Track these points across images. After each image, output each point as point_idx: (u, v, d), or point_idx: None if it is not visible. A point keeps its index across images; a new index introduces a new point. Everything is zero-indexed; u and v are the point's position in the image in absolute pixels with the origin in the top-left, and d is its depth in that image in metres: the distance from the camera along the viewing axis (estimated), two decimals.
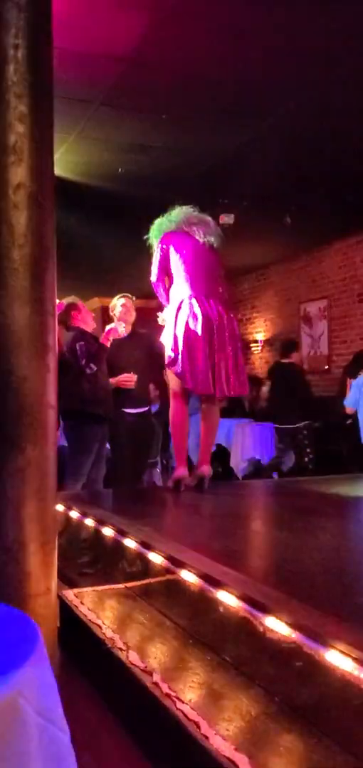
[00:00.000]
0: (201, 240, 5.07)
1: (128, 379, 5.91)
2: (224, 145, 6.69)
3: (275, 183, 7.77)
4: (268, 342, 12.42)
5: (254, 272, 12.57)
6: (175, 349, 4.87)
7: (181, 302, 4.93)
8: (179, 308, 4.92)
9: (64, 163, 6.89)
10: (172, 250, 5.00)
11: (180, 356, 4.82)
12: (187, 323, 4.84)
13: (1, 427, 2.14)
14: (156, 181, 7.33)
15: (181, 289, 4.97)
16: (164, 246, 5.04)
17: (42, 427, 2.18)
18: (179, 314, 4.90)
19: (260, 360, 12.59)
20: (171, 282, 5.08)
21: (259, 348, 12.58)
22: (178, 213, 5.14)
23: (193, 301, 4.88)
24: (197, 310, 4.85)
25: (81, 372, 5.51)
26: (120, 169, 7.20)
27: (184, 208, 5.17)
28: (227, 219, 8.48)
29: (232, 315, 5.15)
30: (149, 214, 5.14)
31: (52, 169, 2.27)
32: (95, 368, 5.57)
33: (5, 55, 2.11)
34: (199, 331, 4.82)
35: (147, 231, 5.21)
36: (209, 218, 5.22)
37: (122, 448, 6.10)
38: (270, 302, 12.36)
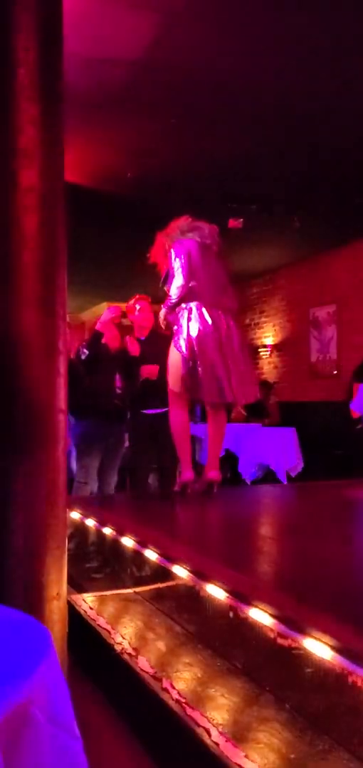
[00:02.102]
0: (199, 241, 5.02)
1: (152, 370, 5.87)
2: (233, 149, 6.68)
3: (284, 187, 7.76)
4: (276, 347, 12.39)
5: (263, 277, 12.55)
6: (190, 357, 4.83)
7: (191, 310, 4.90)
8: (190, 318, 4.89)
9: (73, 167, 6.90)
10: (190, 251, 4.96)
11: (197, 366, 4.79)
12: (200, 331, 4.83)
13: (11, 431, 2.13)
14: (165, 186, 7.33)
15: (189, 296, 4.93)
16: (184, 247, 4.96)
17: (52, 431, 2.17)
18: (191, 324, 4.87)
19: (269, 365, 12.56)
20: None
21: (268, 353, 12.55)
22: (172, 227, 5.13)
23: (203, 310, 4.86)
24: (208, 318, 4.84)
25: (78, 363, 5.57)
26: (128, 174, 7.20)
27: (179, 219, 5.13)
28: (236, 223, 8.48)
29: (238, 325, 5.13)
30: (158, 218, 5.14)
31: (62, 172, 2.27)
32: (87, 352, 5.64)
33: (16, 58, 2.11)
34: (211, 340, 4.81)
35: (155, 236, 5.21)
36: (203, 224, 5.13)
37: (142, 450, 6.09)
38: (279, 307, 12.34)
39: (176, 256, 4.96)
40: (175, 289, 4.96)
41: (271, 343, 12.50)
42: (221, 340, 4.86)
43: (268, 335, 12.62)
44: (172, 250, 5.00)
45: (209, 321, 4.83)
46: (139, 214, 7.90)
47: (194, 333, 4.83)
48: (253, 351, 12.91)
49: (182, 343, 4.86)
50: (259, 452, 9.65)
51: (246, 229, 8.65)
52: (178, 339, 4.90)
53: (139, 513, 4.69)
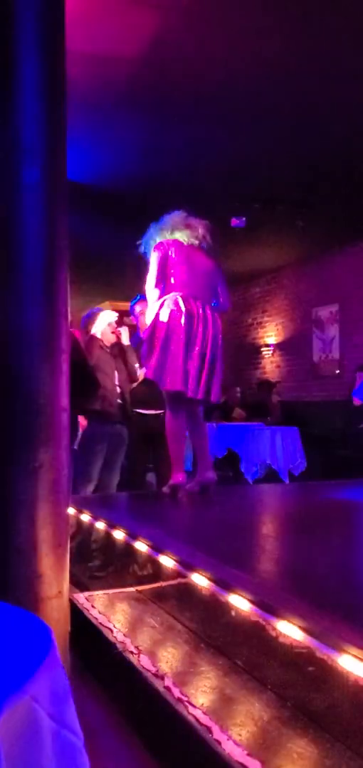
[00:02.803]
0: (185, 242, 5.01)
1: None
2: (236, 148, 6.68)
3: (287, 186, 7.76)
4: (279, 346, 12.39)
5: (265, 276, 12.55)
6: (150, 342, 4.81)
7: (166, 299, 4.87)
8: (162, 305, 4.86)
9: (76, 166, 6.90)
10: (167, 254, 4.94)
11: (156, 350, 4.76)
12: (169, 317, 4.78)
13: (13, 429, 2.13)
14: (167, 184, 7.33)
15: (169, 290, 4.92)
16: (162, 251, 4.96)
17: (54, 429, 2.17)
18: (161, 310, 4.84)
19: (271, 364, 12.56)
20: (164, 289, 4.99)
21: (271, 352, 12.55)
22: (166, 220, 5.11)
23: (179, 298, 4.83)
24: (181, 305, 4.79)
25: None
26: (132, 172, 7.20)
27: (173, 213, 5.12)
28: (239, 222, 8.48)
29: (219, 321, 5.08)
30: (161, 216, 5.14)
31: (65, 170, 2.27)
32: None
33: (20, 56, 2.11)
34: (179, 327, 4.76)
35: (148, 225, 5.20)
36: (196, 221, 5.12)
37: (137, 449, 6.09)
38: (281, 306, 12.34)
39: (153, 260, 4.96)
40: (147, 295, 5.00)
41: (274, 342, 12.50)
42: (192, 332, 4.80)
43: (271, 334, 12.61)
44: (153, 252, 4.99)
45: (183, 308, 4.78)
46: (141, 212, 7.88)
47: (163, 317, 4.79)
48: (256, 350, 12.91)
49: (148, 327, 4.86)
50: (261, 451, 9.65)
51: (249, 228, 8.65)
52: (147, 324, 4.91)
53: (140, 511, 4.70)
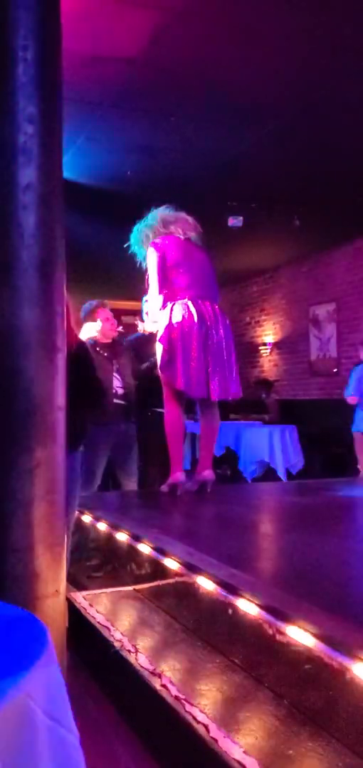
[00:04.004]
0: (182, 237, 4.99)
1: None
2: (233, 147, 6.68)
3: (284, 185, 7.76)
4: (276, 345, 12.40)
5: (263, 275, 12.56)
6: (169, 350, 4.79)
7: (175, 303, 4.86)
8: (172, 309, 4.84)
9: (72, 165, 6.90)
10: (165, 254, 4.92)
11: (177, 359, 4.75)
12: (181, 324, 4.78)
13: (10, 429, 2.13)
14: (164, 184, 7.32)
15: (175, 292, 4.90)
16: (159, 250, 4.93)
17: (51, 428, 2.17)
18: (173, 315, 4.82)
19: (269, 363, 12.57)
20: (170, 292, 4.97)
21: (268, 351, 12.56)
22: (153, 215, 5.07)
23: (189, 302, 4.82)
24: (193, 310, 4.79)
25: None
26: (128, 172, 7.21)
27: (159, 209, 5.09)
28: (236, 221, 8.48)
29: (227, 318, 5.09)
30: (146, 214, 5.13)
31: (60, 170, 2.27)
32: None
33: (14, 56, 2.10)
34: (194, 333, 4.76)
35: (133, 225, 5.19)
36: (185, 214, 5.09)
37: (150, 448, 6.07)
38: (279, 305, 12.34)
39: (151, 260, 4.93)
40: (151, 301, 4.97)
41: (272, 341, 12.50)
42: (206, 334, 4.81)
43: (269, 333, 12.62)
44: (150, 250, 4.96)
45: (194, 314, 4.78)
46: (138, 212, 7.89)
47: (176, 325, 4.78)
48: (254, 349, 12.92)
49: (163, 334, 4.81)
50: (259, 450, 9.66)
51: (246, 227, 8.65)
52: (161, 331, 4.86)
53: (138, 510, 4.70)
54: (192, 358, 4.76)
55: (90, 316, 5.86)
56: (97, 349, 5.84)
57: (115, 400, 5.76)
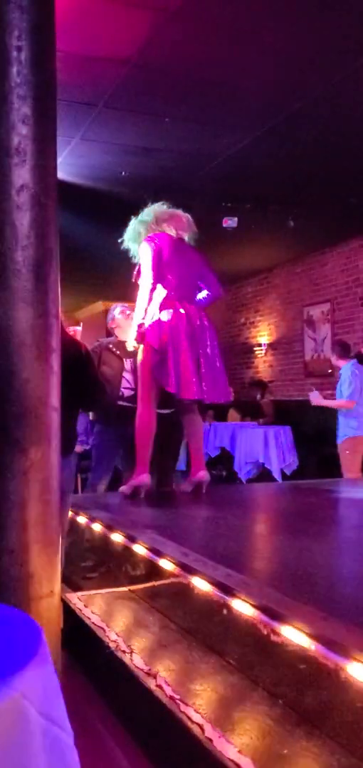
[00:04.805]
0: (174, 236, 4.96)
1: None
2: (227, 148, 6.69)
3: (278, 186, 7.76)
4: (271, 346, 12.41)
5: (257, 276, 12.57)
6: (160, 351, 4.74)
7: (164, 304, 4.83)
8: (161, 310, 4.81)
9: (67, 166, 6.90)
10: (161, 248, 4.89)
11: (168, 360, 4.71)
12: (170, 325, 4.75)
13: (5, 429, 2.13)
14: (159, 185, 7.32)
15: (162, 291, 4.87)
16: (155, 244, 4.89)
17: (45, 429, 2.17)
18: (162, 315, 4.79)
19: (264, 364, 12.58)
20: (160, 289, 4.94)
21: (263, 352, 12.57)
22: (148, 212, 5.04)
23: (177, 303, 4.81)
24: (181, 311, 4.78)
25: None
26: (123, 172, 7.21)
27: (155, 205, 5.06)
28: (230, 222, 8.48)
29: (211, 320, 5.05)
30: (141, 210, 5.13)
31: (55, 171, 2.27)
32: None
33: (8, 56, 2.11)
34: (183, 335, 4.74)
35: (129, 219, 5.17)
36: (180, 212, 5.07)
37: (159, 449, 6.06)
38: (273, 306, 12.35)
39: (146, 254, 4.89)
40: (142, 293, 4.92)
41: (266, 342, 12.51)
42: (194, 336, 4.79)
43: (263, 334, 12.63)
44: (144, 244, 4.93)
45: (183, 316, 4.78)
46: (133, 212, 7.89)
47: (166, 325, 4.75)
48: (248, 350, 12.93)
49: (153, 335, 4.78)
50: (254, 451, 9.68)
51: (240, 228, 8.65)
52: (149, 332, 4.82)
53: (133, 511, 4.70)
54: (182, 360, 4.73)
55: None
56: (110, 346, 5.83)
57: (120, 402, 5.74)
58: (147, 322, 4.85)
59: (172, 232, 4.97)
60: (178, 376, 4.72)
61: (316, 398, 7.81)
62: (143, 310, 4.90)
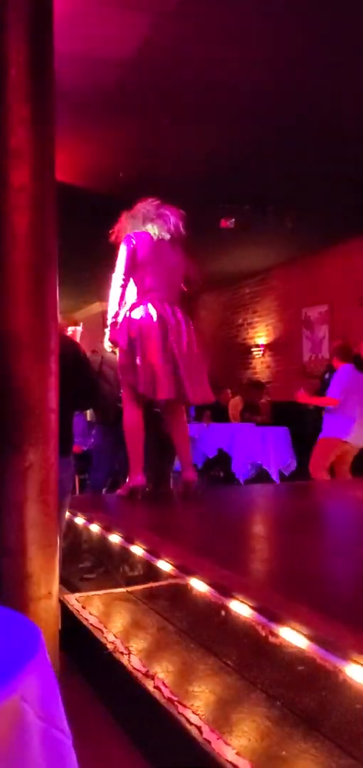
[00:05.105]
0: (156, 237, 4.89)
1: None
2: (225, 149, 6.69)
3: (276, 187, 7.77)
4: (269, 346, 12.41)
5: (255, 276, 12.57)
6: (128, 351, 4.73)
7: (135, 304, 4.81)
8: (132, 309, 4.80)
9: (65, 168, 6.90)
10: (136, 250, 4.85)
11: (136, 361, 4.69)
12: (140, 324, 4.72)
13: (3, 430, 2.13)
14: (157, 185, 7.32)
15: (137, 291, 4.85)
16: (132, 243, 4.86)
17: (43, 430, 2.17)
18: (132, 314, 4.78)
19: (262, 364, 12.58)
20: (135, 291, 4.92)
21: (261, 352, 12.57)
22: (138, 209, 4.98)
23: (149, 304, 4.77)
24: (152, 311, 4.74)
25: None
26: (121, 173, 7.20)
27: (146, 202, 4.99)
28: (228, 223, 8.49)
29: (190, 320, 4.98)
30: (134, 204, 5.12)
31: (53, 172, 2.27)
32: None
33: (7, 58, 2.11)
34: (153, 335, 4.69)
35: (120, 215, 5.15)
36: (169, 212, 4.95)
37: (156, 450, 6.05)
38: (271, 306, 12.36)
39: (121, 252, 4.87)
40: (113, 292, 4.89)
41: (264, 342, 12.52)
42: (167, 336, 4.74)
43: (261, 335, 12.63)
44: (122, 243, 4.89)
45: (154, 315, 4.73)
46: None
47: (135, 326, 4.72)
48: (246, 350, 12.93)
49: (121, 335, 4.76)
50: (252, 452, 9.66)
51: (238, 229, 8.66)
52: (118, 332, 4.80)
53: (131, 512, 4.70)
54: (154, 360, 4.68)
55: None
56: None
57: (120, 404, 5.70)
58: (119, 325, 4.85)
59: (155, 233, 4.91)
60: (151, 376, 4.67)
61: (302, 395, 7.81)
62: (114, 310, 4.88)
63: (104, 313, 6.35)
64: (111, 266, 5.00)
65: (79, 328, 5.77)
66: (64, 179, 7.10)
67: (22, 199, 2.12)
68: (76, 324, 5.97)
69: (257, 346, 12.68)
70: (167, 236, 4.90)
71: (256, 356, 12.71)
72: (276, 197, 8.06)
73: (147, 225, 4.91)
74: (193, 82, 5.37)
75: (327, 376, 8.06)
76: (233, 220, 8.40)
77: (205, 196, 7.72)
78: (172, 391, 4.72)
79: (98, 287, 12.67)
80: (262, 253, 11.01)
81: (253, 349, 12.77)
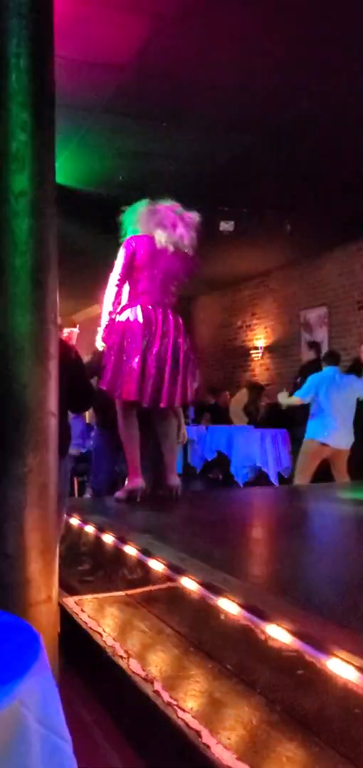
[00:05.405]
0: (158, 245, 4.85)
1: None
2: (224, 153, 6.70)
3: (275, 190, 7.78)
4: (268, 349, 12.42)
5: (254, 279, 12.58)
6: (108, 354, 4.75)
7: (125, 307, 4.81)
8: (121, 312, 4.80)
9: (65, 171, 6.90)
10: (135, 253, 4.85)
11: (110, 361, 4.69)
12: (123, 328, 4.71)
13: (2, 435, 2.13)
14: (156, 189, 7.31)
15: (130, 293, 4.85)
16: (131, 246, 4.86)
17: (43, 434, 2.17)
18: (120, 318, 4.78)
19: (260, 367, 12.59)
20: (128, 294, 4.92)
21: (260, 355, 12.58)
22: (159, 210, 4.91)
23: (138, 307, 4.75)
24: (139, 315, 4.71)
25: None
26: (120, 177, 7.21)
27: (169, 208, 4.93)
28: (227, 226, 8.50)
29: (182, 324, 4.92)
30: (155, 200, 5.11)
31: (53, 177, 2.27)
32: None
33: (7, 63, 2.11)
34: (136, 339, 4.66)
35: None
36: (185, 230, 4.88)
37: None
38: (270, 309, 12.37)
39: (119, 255, 4.88)
40: (108, 294, 4.90)
41: (263, 345, 12.53)
42: (150, 340, 4.70)
43: (260, 337, 12.64)
44: (122, 247, 4.90)
45: (139, 318, 4.70)
46: None
47: (120, 328, 4.73)
48: (245, 353, 12.94)
49: (106, 335, 4.79)
50: (251, 454, 9.67)
51: (237, 232, 8.67)
52: (104, 333, 4.82)
53: (129, 515, 4.70)
54: (126, 361, 4.66)
55: None
56: None
57: None
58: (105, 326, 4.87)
59: (161, 240, 4.83)
60: (127, 380, 4.64)
61: (282, 396, 7.82)
62: (108, 311, 4.88)
63: None
64: (110, 268, 4.99)
65: (76, 330, 5.78)
66: (64, 182, 7.12)
67: (21, 204, 2.12)
68: (73, 325, 5.98)
69: (256, 348, 12.69)
70: (171, 249, 4.88)
71: (255, 358, 12.71)
72: (275, 201, 8.06)
73: (157, 230, 4.89)
74: (192, 85, 5.38)
75: (299, 379, 8.13)
76: (232, 223, 8.42)
77: (205, 199, 7.72)
78: (139, 393, 4.67)
79: (98, 290, 12.71)
80: (261, 256, 11.03)
81: (252, 352, 12.78)
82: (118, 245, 5.09)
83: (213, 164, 6.97)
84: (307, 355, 9.58)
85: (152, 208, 4.97)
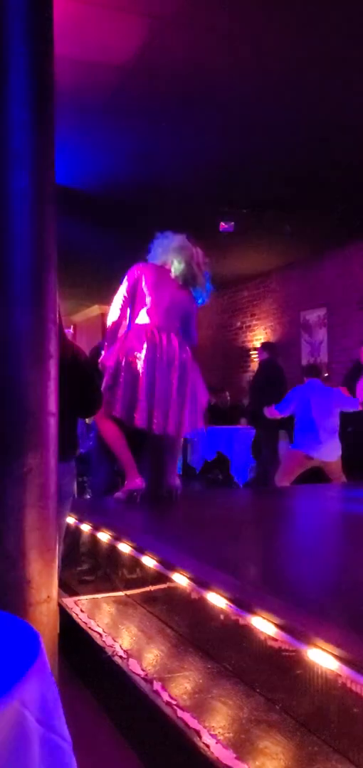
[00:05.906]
0: (171, 275, 4.99)
1: None
2: (224, 153, 6.70)
3: (275, 191, 7.77)
4: None
5: (254, 280, 12.57)
6: (114, 375, 4.77)
7: (131, 330, 4.88)
8: (126, 335, 4.88)
9: (65, 170, 6.90)
10: (143, 281, 4.93)
11: (119, 385, 4.72)
12: (129, 350, 4.77)
13: (2, 435, 2.13)
14: (156, 189, 7.33)
15: (137, 317, 4.91)
16: (136, 273, 4.96)
17: (43, 434, 2.17)
18: (125, 341, 4.84)
19: None
20: (131, 317, 4.99)
21: (259, 356, 12.56)
22: (187, 248, 5.04)
23: (143, 332, 4.81)
24: (144, 339, 4.77)
25: None
26: (120, 177, 7.21)
27: (198, 252, 5.06)
28: (227, 226, 8.50)
29: (188, 350, 5.00)
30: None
31: (53, 177, 2.27)
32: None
33: (7, 62, 2.11)
34: (144, 363, 4.72)
35: (146, 238, 5.18)
36: (204, 276, 5.07)
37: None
38: (269, 310, 12.36)
39: (125, 281, 4.98)
40: (111, 316, 5.01)
41: None
42: (155, 365, 4.76)
43: (260, 338, 12.63)
44: (128, 272, 4.99)
45: (144, 343, 4.76)
46: (130, 216, 7.90)
47: (126, 351, 4.78)
48: (245, 353, 12.93)
49: (111, 357, 4.83)
50: (251, 455, 9.66)
51: (237, 232, 8.67)
52: (110, 355, 4.88)
53: (129, 515, 4.70)
54: (136, 388, 4.71)
55: None
56: None
57: None
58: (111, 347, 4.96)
59: (175, 271, 5.00)
60: (128, 403, 4.71)
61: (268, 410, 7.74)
62: (112, 332, 5.02)
63: (103, 316, 6.35)
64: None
65: (70, 332, 5.80)
66: (64, 182, 7.11)
67: (22, 203, 2.12)
68: (68, 326, 5.99)
69: (256, 349, 12.67)
70: (181, 281, 4.98)
71: (255, 359, 12.70)
72: (275, 201, 8.06)
73: (174, 262, 4.99)
74: (192, 86, 5.37)
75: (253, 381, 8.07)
76: (232, 223, 8.42)
77: (205, 199, 7.73)
78: (143, 420, 4.72)
79: (98, 290, 12.72)
80: (261, 257, 11.02)
81: (251, 353, 12.77)
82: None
83: (213, 164, 6.96)
84: (262, 356, 9.87)
85: (182, 243, 5.07)
